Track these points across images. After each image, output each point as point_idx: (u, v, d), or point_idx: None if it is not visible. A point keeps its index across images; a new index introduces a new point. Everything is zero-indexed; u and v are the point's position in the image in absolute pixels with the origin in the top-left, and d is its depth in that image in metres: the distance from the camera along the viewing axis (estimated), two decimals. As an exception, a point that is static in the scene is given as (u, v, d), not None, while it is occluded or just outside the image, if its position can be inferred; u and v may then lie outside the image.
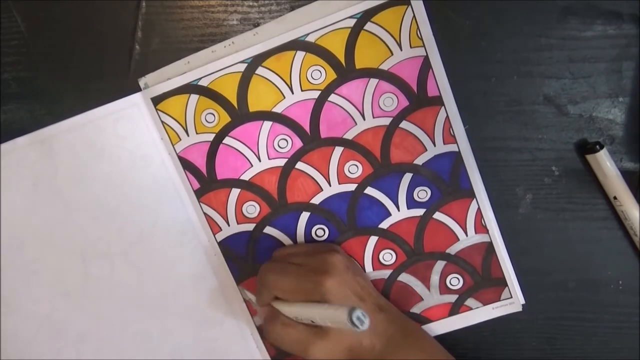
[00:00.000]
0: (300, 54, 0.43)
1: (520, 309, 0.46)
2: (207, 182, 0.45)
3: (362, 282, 0.42)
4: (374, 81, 0.43)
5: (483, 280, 0.46)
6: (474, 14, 0.43)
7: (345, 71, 0.43)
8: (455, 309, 0.47)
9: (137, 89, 0.44)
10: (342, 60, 0.43)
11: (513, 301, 0.46)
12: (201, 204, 0.45)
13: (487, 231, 0.45)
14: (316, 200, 0.45)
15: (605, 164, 0.43)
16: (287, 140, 0.44)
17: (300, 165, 0.45)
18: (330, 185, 0.45)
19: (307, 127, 0.44)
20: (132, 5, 0.43)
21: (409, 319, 0.44)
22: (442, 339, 0.46)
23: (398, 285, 0.47)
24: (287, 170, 0.45)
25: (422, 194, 0.45)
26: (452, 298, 0.47)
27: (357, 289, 0.40)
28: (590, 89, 0.44)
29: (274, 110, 0.44)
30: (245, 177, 0.45)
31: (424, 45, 0.43)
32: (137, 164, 0.45)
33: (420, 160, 0.45)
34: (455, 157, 0.44)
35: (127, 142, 0.44)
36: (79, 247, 0.45)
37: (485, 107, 0.44)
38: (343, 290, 0.39)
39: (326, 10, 0.43)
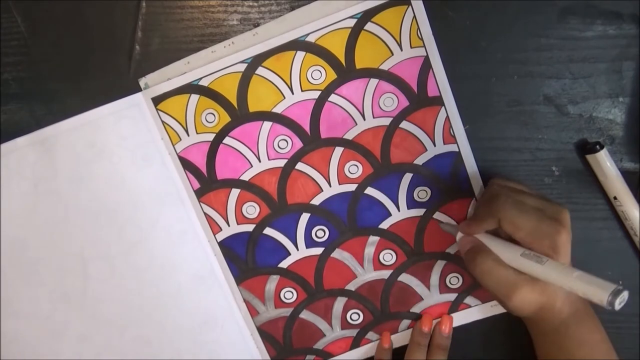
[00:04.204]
0: (300, 54, 0.43)
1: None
2: (207, 182, 0.45)
3: None
4: (374, 81, 0.43)
5: (483, 279, 0.46)
6: (474, 13, 0.43)
7: (346, 71, 0.43)
8: (454, 306, 0.47)
9: (138, 89, 0.44)
10: (342, 60, 0.43)
11: (511, 299, 0.46)
12: (201, 204, 0.45)
13: (487, 231, 0.46)
14: (316, 201, 0.45)
15: (605, 164, 0.43)
16: (287, 141, 0.44)
17: (300, 166, 0.45)
18: (330, 186, 0.45)
19: (307, 128, 0.44)
20: (132, 5, 0.43)
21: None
22: (442, 338, 0.47)
23: (398, 286, 0.47)
24: (287, 171, 0.45)
25: (422, 194, 0.45)
26: (452, 297, 0.47)
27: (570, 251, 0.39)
28: (590, 89, 0.44)
29: (274, 110, 0.44)
30: (245, 177, 0.45)
31: (424, 45, 0.43)
32: (137, 164, 0.45)
33: (420, 160, 0.45)
34: (455, 157, 0.44)
35: (128, 142, 0.44)
36: (79, 247, 0.45)
37: (485, 107, 0.44)
38: (568, 247, 0.38)
39: (326, 10, 0.42)
